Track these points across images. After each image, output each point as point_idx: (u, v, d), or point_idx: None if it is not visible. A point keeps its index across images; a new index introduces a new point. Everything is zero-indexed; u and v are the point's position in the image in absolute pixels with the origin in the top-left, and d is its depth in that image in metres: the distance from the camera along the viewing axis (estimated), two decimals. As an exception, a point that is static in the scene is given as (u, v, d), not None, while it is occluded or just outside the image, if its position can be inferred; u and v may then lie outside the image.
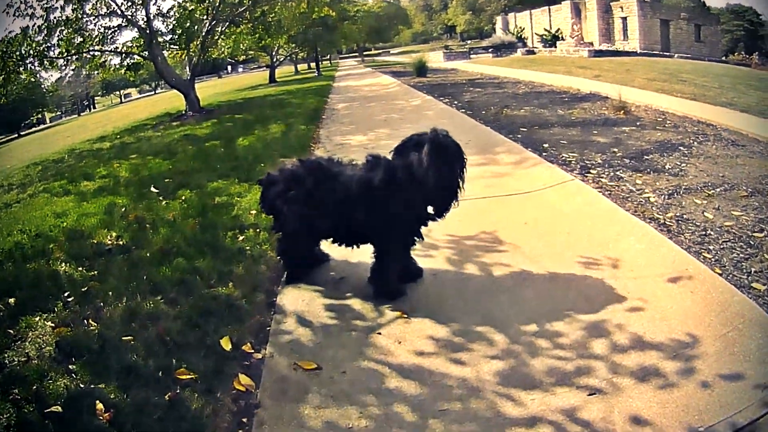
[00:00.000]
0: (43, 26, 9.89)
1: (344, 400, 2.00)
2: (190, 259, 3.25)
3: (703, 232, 3.36)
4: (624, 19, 25.52)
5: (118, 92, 43.32)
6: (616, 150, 5.42)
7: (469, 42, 42.18)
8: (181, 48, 11.95)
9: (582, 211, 3.69)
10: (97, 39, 10.81)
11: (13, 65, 9.88)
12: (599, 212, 3.64)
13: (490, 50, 28.30)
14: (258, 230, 3.67)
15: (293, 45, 24.50)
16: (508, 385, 2.02)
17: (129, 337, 2.43)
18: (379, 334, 2.41)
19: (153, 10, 11.41)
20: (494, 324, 2.42)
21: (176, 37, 11.72)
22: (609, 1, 25.79)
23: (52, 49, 10.23)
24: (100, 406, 1.97)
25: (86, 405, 1.99)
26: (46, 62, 10.33)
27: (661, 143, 5.70)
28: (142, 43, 11.07)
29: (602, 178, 4.49)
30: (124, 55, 11.38)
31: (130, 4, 10.76)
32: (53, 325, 2.59)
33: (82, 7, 10.24)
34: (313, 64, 29.21)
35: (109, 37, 11.04)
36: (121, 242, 3.69)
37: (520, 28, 32.32)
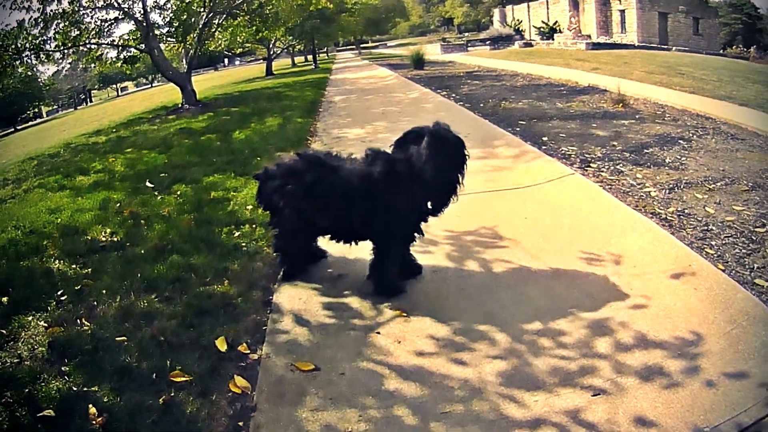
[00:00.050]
0: (40, 19, 9.74)
1: (343, 402, 1.95)
2: (185, 256, 3.19)
3: (705, 227, 3.32)
4: (622, 11, 25.42)
5: (114, 85, 42.92)
6: (615, 143, 5.37)
7: (466, 34, 41.93)
8: (178, 41, 11.82)
9: (583, 205, 3.64)
10: (94, 32, 10.66)
11: (9, 59, 9.76)
12: (600, 207, 3.60)
13: (487, 42, 28.15)
14: (254, 226, 3.61)
15: (290, 37, 24.29)
16: (510, 385, 1.98)
17: (123, 338, 2.37)
18: (378, 333, 2.36)
19: (150, 2, 11.25)
20: (496, 322, 2.37)
21: (173, 29, 11.58)
22: (607, -6, 25.67)
23: (49, 42, 10.11)
24: (93, 410, 1.93)
25: (79, 409, 1.94)
26: (42, 55, 10.21)
27: (661, 136, 5.66)
28: (138, 35, 10.94)
29: (602, 172, 4.44)
30: (120, 47, 11.25)
31: (126, -4, 10.62)
32: (46, 324, 2.54)
33: (79, -1, 10.10)
34: (310, 57, 28.94)
35: (105, 29, 10.90)
36: (115, 238, 3.63)
37: (518, 20, 32.18)
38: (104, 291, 2.83)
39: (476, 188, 3.78)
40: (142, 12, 10.81)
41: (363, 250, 2.77)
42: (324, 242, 2.97)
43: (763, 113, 7.16)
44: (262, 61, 29.14)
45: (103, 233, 3.72)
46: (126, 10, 10.68)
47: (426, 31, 53.50)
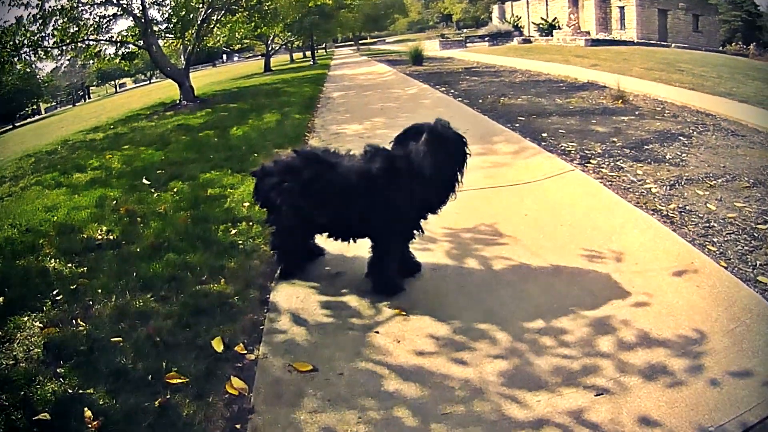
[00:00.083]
0: (38, 15, 9.66)
1: (342, 403, 1.91)
2: (182, 254, 3.15)
3: (707, 224, 3.29)
4: (621, 8, 25.34)
5: (113, 82, 42.70)
6: (615, 139, 5.34)
7: (465, 31, 41.76)
8: (177, 37, 11.73)
9: (583, 202, 3.61)
10: (92, 28, 10.57)
11: (7, 55, 9.67)
12: (601, 203, 3.56)
13: (486, 39, 28.03)
14: (251, 223, 3.57)
15: (289, 33, 24.17)
16: (512, 385, 1.95)
17: (118, 338, 2.33)
18: (377, 332, 2.32)
19: (149, -2, 11.17)
20: (496, 321, 2.34)
21: (171, 25, 11.48)
22: (606, -10, 25.60)
23: (47, 38, 10.02)
24: (88, 413, 1.89)
25: (75, 412, 1.90)
26: (40, 51, 10.12)
27: (661, 133, 5.63)
28: (137, 32, 10.88)
29: (603, 168, 4.41)
30: (119, 44, 11.18)
31: (126, -8, 10.55)
32: (41, 325, 2.50)
33: (78, -5, 10.03)
34: (308, 53, 28.82)
35: (104, 26, 10.81)
36: (111, 237, 3.58)
37: (517, 16, 32.05)
38: (100, 290, 2.78)
39: (475, 184, 3.75)
40: (140, 8, 10.75)
41: (361, 248, 2.74)
42: (322, 240, 2.93)
43: (763, 110, 7.14)
44: (260, 57, 28.97)
45: (99, 231, 3.68)
46: (125, 6, 10.62)
47: (425, 27, 53.28)
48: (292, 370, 2.10)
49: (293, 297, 2.67)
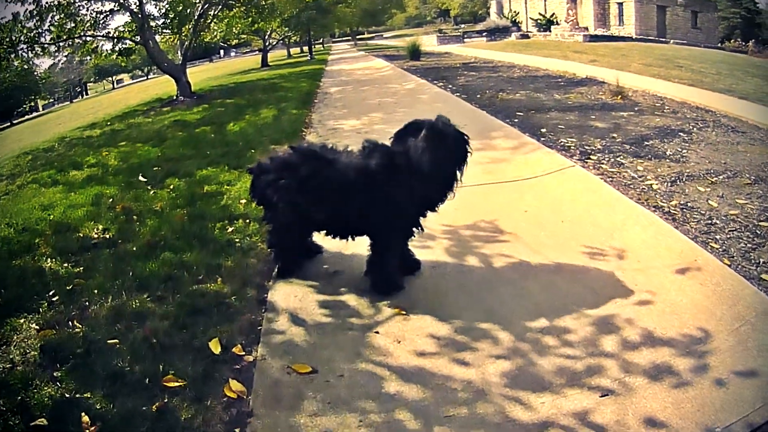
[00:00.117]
0: (35, 11, 9.57)
1: (342, 406, 1.87)
2: (178, 253, 3.10)
3: (709, 221, 3.26)
4: (620, 4, 25.24)
5: (110, 78, 42.41)
6: (615, 135, 5.30)
7: (462, 26, 41.56)
8: (174, 32, 11.64)
9: (584, 198, 3.58)
10: (89, 24, 10.50)
11: (3, 52, 9.58)
12: (602, 200, 3.53)
13: (484, 34, 27.90)
14: (248, 221, 3.52)
15: (286, 29, 23.99)
16: (516, 387, 1.91)
17: (115, 340, 2.29)
18: (377, 333, 2.28)
19: (146, -7, 11.08)
20: (498, 320, 2.30)
21: (168, 21, 11.40)
22: (605, -14, 25.49)
23: (44, 35, 9.95)
24: (85, 418, 1.85)
25: (72, 417, 1.87)
26: (37, 48, 10.04)
27: (661, 129, 5.60)
28: (134, 27, 10.80)
29: (603, 164, 4.37)
30: (116, 40, 11.10)
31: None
32: (38, 327, 2.46)
33: (75, -10, 9.94)
34: (306, 48, 28.63)
35: (101, 21, 10.75)
36: (107, 235, 3.53)
37: (515, 12, 31.89)
38: (96, 290, 2.74)
39: (475, 180, 3.69)
40: (137, 3, 10.65)
41: (360, 246, 2.70)
42: (319, 238, 2.88)
43: (763, 107, 7.10)
44: (257, 52, 28.74)
45: (95, 230, 3.63)
46: (121, 1, 10.53)
47: (422, 22, 53.01)
48: (291, 372, 2.06)
49: (291, 296, 2.62)
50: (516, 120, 6.12)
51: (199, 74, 19.57)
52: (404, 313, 2.41)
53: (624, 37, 22.24)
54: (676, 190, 3.78)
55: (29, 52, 10.13)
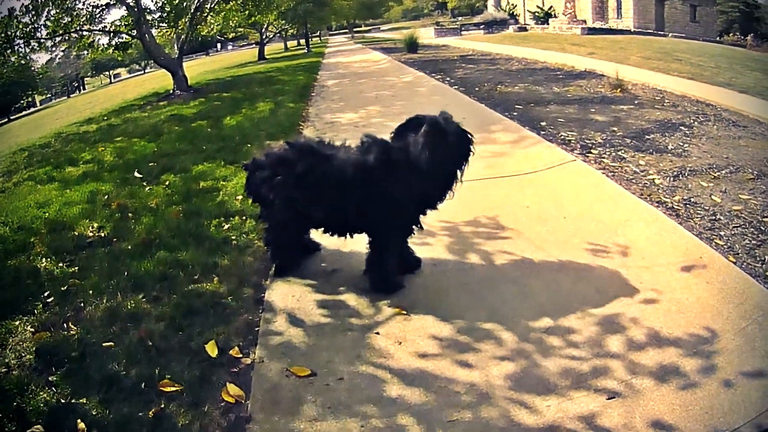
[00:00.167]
0: (30, 6, 9.44)
1: (342, 411, 1.81)
2: (173, 251, 3.03)
3: (713, 217, 3.22)
4: (618, -4, 25.13)
5: (107, 72, 42.07)
6: (615, 129, 5.25)
7: (460, 18, 41.35)
8: (170, 26, 11.51)
9: (586, 193, 3.53)
10: (85, 18, 10.39)
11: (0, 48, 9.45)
12: (604, 195, 3.48)
13: (481, 27, 27.80)
14: (244, 218, 3.45)
15: (283, 21, 23.81)
16: (520, 389, 1.86)
17: (110, 343, 2.23)
18: (378, 333, 2.22)
19: (142, -14, 10.91)
20: (501, 320, 2.25)
21: (165, 14, 11.28)
22: (603, -22, 25.34)
23: (40, 29, 9.83)
24: (81, 425, 1.80)
25: (68, 423, 1.81)
26: (33, 43, 9.92)
27: (662, 122, 5.55)
28: (130, 21, 10.68)
29: (604, 158, 4.32)
30: (112, 34, 10.96)
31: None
32: (33, 330, 2.40)
33: (71, -15, 9.80)
34: (302, 41, 28.42)
35: (97, 16, 10.63)
36: (102, 234, 3.46)
37: (512, 4, 31.73)
38: (91, 291, 2.67)
39: (475, 175, 3.63)
40: (134, -3, 10.51)
41: (359, 243, 2.63)
42: (317, 235, 2.82)
43: (763, 101, 7.06)
44: (254, 45, 28.56)
45: (90, 228, 3.55)
46: (118, -5, 10.38)
47: (419, 15, 52.69)
48: (290, 375, 2.00)
49: (289, 296, 2.56)
50: (515, 113, 6.06)
51: (196, 68, 19.40)
52: (405, 312, 2.35)
53: (622, 30, 22.17)
54: (678, 185, 3.74)
55: (25, 47, 10.02)
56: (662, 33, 22.32)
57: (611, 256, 2.72)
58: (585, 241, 2.88)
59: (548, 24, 25.12)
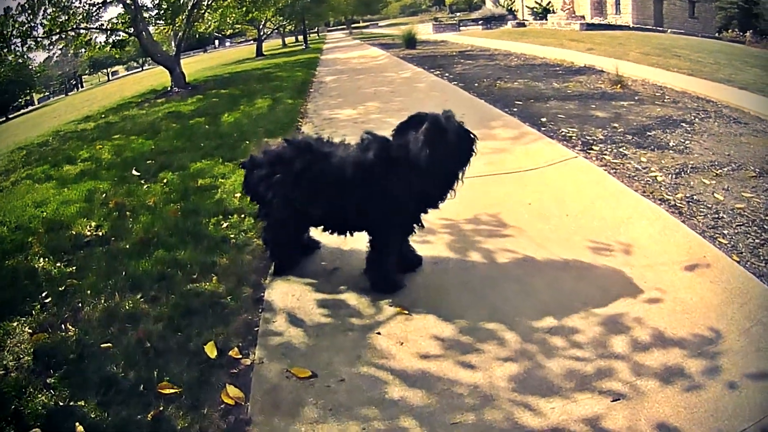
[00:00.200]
0: (27, 5, 9.37)
1: (343, 413, 1.78)
2: (171, 250, 2.99)
3: (716, 215, 3.19)
4: (617, -8, 24.99)
5: (105, 70, 41.85)
6: (616, 125, 5.22)
7: (458, 14, 41.18)
8: (167, 23, 11.45)
9: (588, 190, 3.50)
10: (82, 16, 10.31)
11: (-4, 47, 9.41)
12: (606, 192, 3.45)
13: (480, 22, 27.68)
14: (243, 216, 3.42)
15: (281, 18, 23.69)
16: (524, 391, 1.84)
17: (108, 344, 2.20)
18: (379, 334, 2.19)
19: (138, -17, 10.83)
20: (504, 319, 2.22)
21: (162, 11, 11.22)
22: (602, -26, 25.21)
23: (36, 28, 9.77)
24: (80, 428, 1.77)
25: (66, 426, 1.79)
26: (30, 42, 9.85)
27: (662, 119, 5.52)
28: (127, 19, 10.62)
29: (605, 155, 4.29)
30: (109, 32, 10.90)
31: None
32: (31, 331, 2.37)
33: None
34: (300, 37, 28.29)
35: (93, 14, 10.55)
36: (100, 233, 3.43)
37: (511, 0, 31.57)
38: (89, 291, 2.64)
39: (475, 172, 3.60)
40: (130, -6, 10.43)
41: (359, 241, 2.61)
42: (317, 233, 2.79)
43: (764, 98, 7.02)
44: (252, 42, 28.46)
45: (88, 227, 3.52)
46: (115, -8, 10.30)
47: (417, 10, 52.42)
48: (290, 376, 1.97)
49: (288, 295, 2.53)
50: (515, 109, 6.02)
51: (194, 65, 19.34)
52: (406, 312, 2.33)
53: (621, 26, 22.07)
54: (681, 182, 3.71)
55: (22, 46, 9.96)
56: (661, 29, 22.23)
57: (614, 255, 2.70)
58: (587, 239, 2.86)
59: (547, 20, 25.02)
